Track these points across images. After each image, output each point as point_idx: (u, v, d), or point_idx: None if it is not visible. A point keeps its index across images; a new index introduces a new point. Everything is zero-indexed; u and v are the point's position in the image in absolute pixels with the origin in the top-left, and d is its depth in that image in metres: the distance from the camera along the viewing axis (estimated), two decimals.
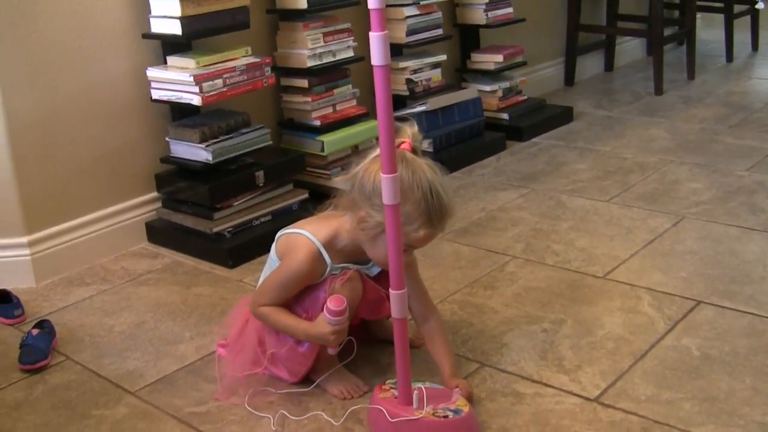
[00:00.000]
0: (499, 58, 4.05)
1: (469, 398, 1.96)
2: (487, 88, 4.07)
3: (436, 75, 3.84)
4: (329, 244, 2.02)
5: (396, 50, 3.72)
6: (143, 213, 3.10)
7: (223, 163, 2.97)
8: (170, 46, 2.97)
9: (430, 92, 3.79)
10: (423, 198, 1.89)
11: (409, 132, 1.96)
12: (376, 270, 2.10)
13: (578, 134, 4.08)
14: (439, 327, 2.12)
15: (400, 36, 3.68)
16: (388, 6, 3.64)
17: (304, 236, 2.02)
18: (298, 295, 2.04)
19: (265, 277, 2.12)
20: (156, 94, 2.96)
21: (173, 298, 2.68)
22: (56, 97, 2.82)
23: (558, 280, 2.62)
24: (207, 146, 2.90)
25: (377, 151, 1.89)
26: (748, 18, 5.52)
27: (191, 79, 2.81)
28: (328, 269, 2.02)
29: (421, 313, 2.11)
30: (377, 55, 1.65)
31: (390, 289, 1.81)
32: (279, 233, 2.12)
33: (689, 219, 2.99)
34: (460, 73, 4.20)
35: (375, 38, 1.64)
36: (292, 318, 2.03)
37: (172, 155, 3.04)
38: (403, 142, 1.93)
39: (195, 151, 2.94)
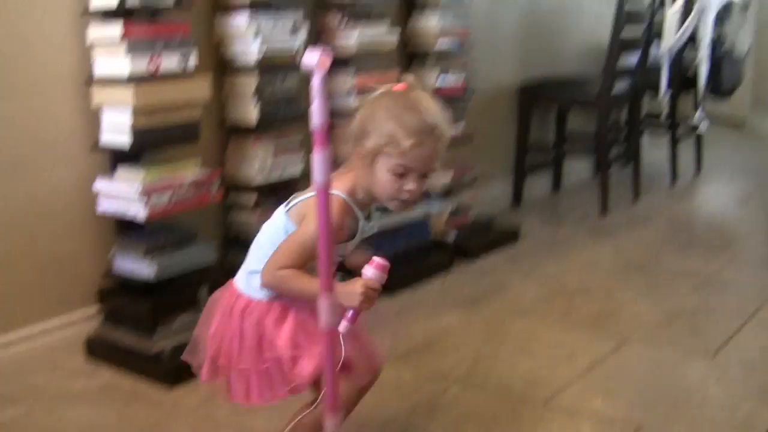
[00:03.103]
0: (447, 178, 4.08)
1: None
2: (435, 208, 4.08)
3: None
4: (352, 197, 2.01)
5: None
6: (83, 328, 3.04)
7: (167, 281, 2.95)
8: (120, 156, 2.96)
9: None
10: (386, 109, 1.92)
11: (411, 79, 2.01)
12: (373, 229, 2.11)
13: (524, 254, 4.11)
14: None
15: None
16: None
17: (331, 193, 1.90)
18: None
19: (256, 257, 2.06)
20: (102, 207, 2.95)
21: (109, 420, 2.61)
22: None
23: (499, 406, 2.61)
24: (151, 262, 2.89)
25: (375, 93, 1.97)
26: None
27: (137, 193, 2.81)
28: (360, 224, 2.04)
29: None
30: (319, 174, 1.65)
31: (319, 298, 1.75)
32: (289, 204, 2.05)
33: (632, 342, 3.01)
34: None
35: (318, 158, 1.64)
36: (316, 280, 1.82)
37: (115, 270, 3.02)
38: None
39: (138, 267, 2.92)
